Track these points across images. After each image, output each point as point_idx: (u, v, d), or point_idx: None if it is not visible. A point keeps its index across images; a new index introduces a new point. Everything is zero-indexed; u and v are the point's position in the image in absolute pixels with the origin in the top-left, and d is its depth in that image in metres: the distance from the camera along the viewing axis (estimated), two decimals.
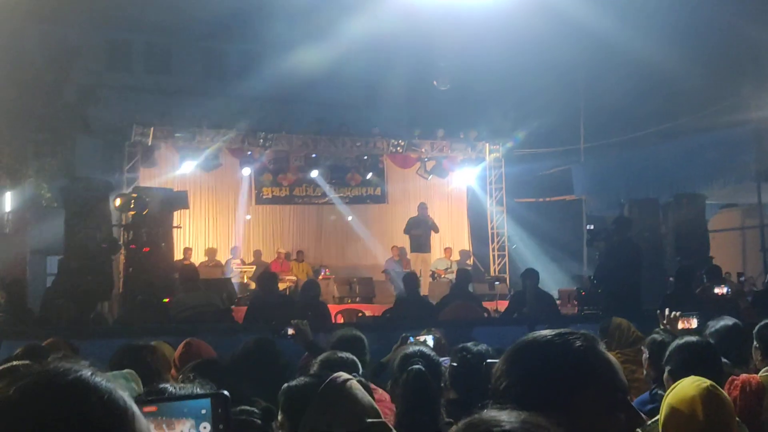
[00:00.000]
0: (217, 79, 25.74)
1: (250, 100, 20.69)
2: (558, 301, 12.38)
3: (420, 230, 16.36)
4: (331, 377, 2.46)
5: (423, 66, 20.06)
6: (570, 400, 1.53)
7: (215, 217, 18.74)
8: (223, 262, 16.97)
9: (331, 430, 2.35)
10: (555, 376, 1.56)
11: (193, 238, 18.06)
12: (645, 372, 4.48)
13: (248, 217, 19.05)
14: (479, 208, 20.67)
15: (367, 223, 19.96)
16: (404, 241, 17.56)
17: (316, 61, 19.70)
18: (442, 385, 3.65)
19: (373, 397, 3.34)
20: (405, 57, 22.58)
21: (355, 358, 3.61)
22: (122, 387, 1.11)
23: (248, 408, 2.85)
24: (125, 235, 12.96)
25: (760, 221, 17.66)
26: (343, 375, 2.49)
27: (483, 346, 4.13)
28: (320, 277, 16.38)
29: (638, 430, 1.83)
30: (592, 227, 12.80)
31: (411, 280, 10.54)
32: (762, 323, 4.36)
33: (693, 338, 3.80)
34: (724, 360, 3.82)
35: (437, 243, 17.90)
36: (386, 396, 3.91)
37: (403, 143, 19.14)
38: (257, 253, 18.19)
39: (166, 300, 10.13)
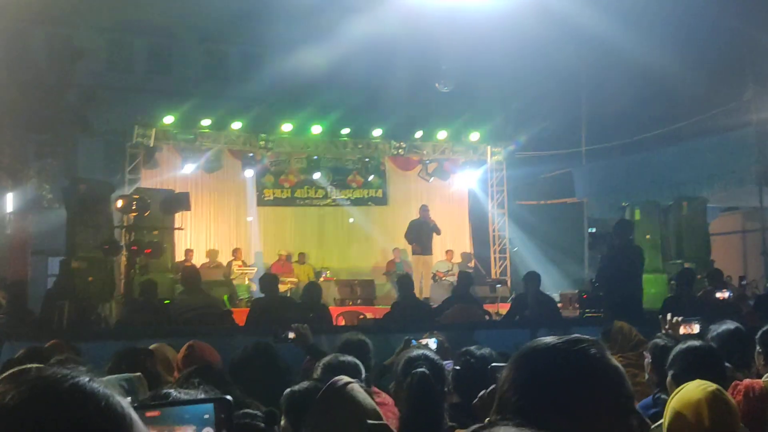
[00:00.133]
0: (219, 81, 25.74)
1: (252, 101, 20.67)
2: (559, 304, 12.35)
3: (421, 237, 16.32)
4: (331, 381, 2.46)
5: (425, 68, 20.04)
6: (580, 408, 1.52)
7: (216, 219, 18.72)
8: (225, 263, 16.96)
9: None
10: (565, 383, 1.54)
11: (194, 239, 18.04)
12: (647, 376, 4.47)
13: (250, 218, 19.05)
14: (481, 210, 20.66)
15: (369, 225, 19.94)
16: (405, 244, 17.55)
17: (318, 62, 19.71)
18: (446, 389, 3.64)
19: (375, 401, 3.34)
20: (407, 59, 22.56)
21: (358, 361, 3.60)
22: (120, 392, 1.11)
23: (251, 411, 2.85)
24: (126, 236, 12.98)
25: (761, 224, 17.65)
26: (344, 378, 2.49)
27: (486, 350, 4.12)
28: (321, 279, 16.38)
29: None
30: (593, 230, 12.81)
31: (405, 282, 10.44)
32: (765, 328, 4.35)
33: (696, 342, 3.79)
34: (726, 364, 3.81)
35: (439, 245, 17.88)
36: (389, 399, 3.89)
37: (404, 145, 19.14)
38: (258, 255, 18.18)
39: (168, 301, 10.12)
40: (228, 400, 1.36)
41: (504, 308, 12.74)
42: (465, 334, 7.59)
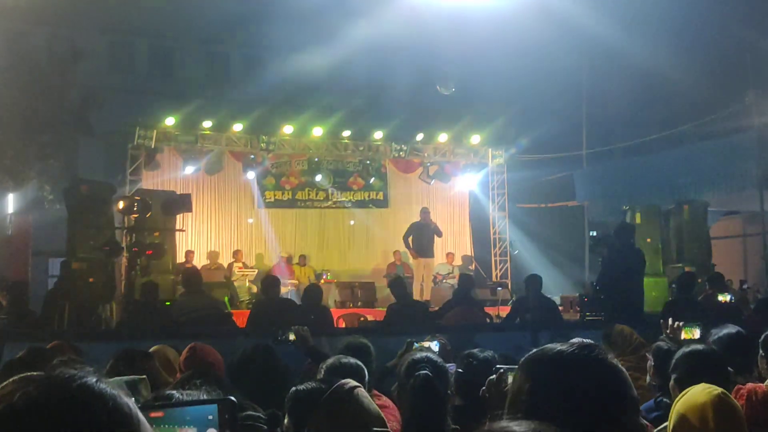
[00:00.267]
0: (220, 83, 25.74)
1: (253, 103, 20.66)
2: (560, 307, 12.35)
3: (422, 239, 16.30)
4: (337, 384, 2.46)
5: (426, 70, 20.09)
6: (589, 412, 1.54)
7: (217, 221, 18.73)
8: (225, 265, 16.96)
9: None
10: (576, 388, 1.58)
11: (195, 241, 18.05)
12: (649, 379, 4.47)
13: (250, 220, 19.05)
14: (481, 213, 20.66)
15: (369, 228, 19.96)
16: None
17: (319, 64, 19.73)
18: (448, 391, 3.64)
19: (376, 404, 3.33)
20: (408, 61, 22.61)
21: (361, 364, 3.60)
22: (127, 393, 1.11)
23: (254, 413, 2.85)
24: (128, 237, 12.97)
25: (762, 228, 17.63)
26: (351, 382, 2.48)
27: (489, 353, 4.12)
28: (322, 281, 16.37)
29: None
30: (594, 233, 12.80)
31: (397, 286, 10.39)
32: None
33: (699, 346, 3.79)
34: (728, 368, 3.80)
35: (440, 248, 17.88)
36: (389, 402, 3.89)
37: (405, 148, 19.14)
38: (259, 257, 18.18)
39: (169, 303, 10.12)
40: (232, 401, 1.36)
41: (504, 311, 12.74)
42: (466, 336, 7.58)
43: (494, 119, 19.91)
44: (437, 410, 3.32)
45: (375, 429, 2.33)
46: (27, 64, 17.74)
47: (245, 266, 17.17)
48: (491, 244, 20.29)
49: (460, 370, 4.02)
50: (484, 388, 2.49)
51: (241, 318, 10.40)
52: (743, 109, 18.11)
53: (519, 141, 20.37)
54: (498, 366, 2.53)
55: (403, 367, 3.70)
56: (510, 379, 2.70)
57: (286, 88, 21.11)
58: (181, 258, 15.95)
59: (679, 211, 15.61)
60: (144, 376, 1.73)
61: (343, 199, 19.74)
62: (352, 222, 19.99)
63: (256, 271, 16.82)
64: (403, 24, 16.72)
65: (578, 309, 12.43)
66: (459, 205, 20.93)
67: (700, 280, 11.18)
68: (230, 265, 16.89)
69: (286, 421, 2.83)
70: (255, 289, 15.60)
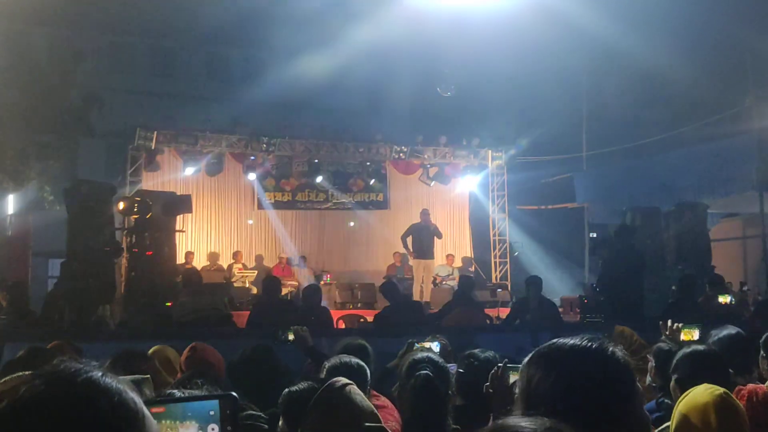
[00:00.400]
0: (221, 84, 25.79)
1: (254, 105, 20.72)
2: (560, 309, 12.36)
3: (422, 241, 16.30)
4: (329, 382, 2.46)
5: (426, 73, 20.06)
6: (611, 407, 1.58)
7: (217, 222, 18.74)
8: (225, 266, 16.97)
9: None
10: (590, 382, 1.60)
11: (195, 242, 18.07)
12: (651, 380, 4.47)
13: (250, 221, 19.06)
14: (481, 214, 20.67)
15: (370, 229, 19.97)
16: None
17: (320, 67, 19.72)
18: (449, 392, 3.64)
19: (374, 404, 3.33)
20: (408, 63, 22.60)
21: (363, 364, 3.59)
22: (132, 388, 1.11)
23: (255, 413, 2.85)
24: (128, 238, 12.95)
25: (762, 231, 17.62)
26: (342, 380, 2.48)
27: (490, 353, 4.12)
28: (322, 282, 16.37)
29: None
30: (594, 235, 12.82)
31: (389, 290, 10.37)
32: None
33: (700, 347, 3.79)
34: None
35: (440, 250, 17.89)
36: (388, 402, 3.89)
37: (405, 149, 19.15)
38: (259, 258, 18.19)
39: (169, 304, 10.12)
40: (234, 397, 1.36)
41: (504, 312, 12.74)
42: (466, 337, 7.58)
43: (494, 121, 19.96)
44: (438, 410, 3.32)
45: (368, 425, 2.33)
46: (28, 64, 17.76)
47: (245, 267, 17.19)
48: (491, 246, 20.30)
49: (461, 370, 4.02)
50: (487, 384, 2.50)
51: (240, 319, 10.40)
52: (743, 112, 18.11)
53: (519, 142, 20.39)
54: (499, 364, 2.54)
55: (404, 367, 3.71)
56: (511, 377, 2.71)
57: (287, 90, 21.13)
58: (181, 259, 15.94)
59: (679, 214, 15.59)
60: (147, 376, 1.73)
61: (343, 200, 19.75)
62: (352, 223, 20.00)
63: (256, 272, 16.82)
64: (403, 26, 16.72)
65: (578, 310, 12.44)
66: (459, 207, 20.94)
67: (700, 282, 11.17)
68: (230, 266, 16.90)
69: (280, 422, 2.83)
70: (255, 290, 15.60)
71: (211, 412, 1.34)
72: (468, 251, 20.44)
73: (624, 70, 21.74)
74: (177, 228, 14.27)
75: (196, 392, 1.97)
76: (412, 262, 17.11)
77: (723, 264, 16.53)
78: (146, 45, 26.34)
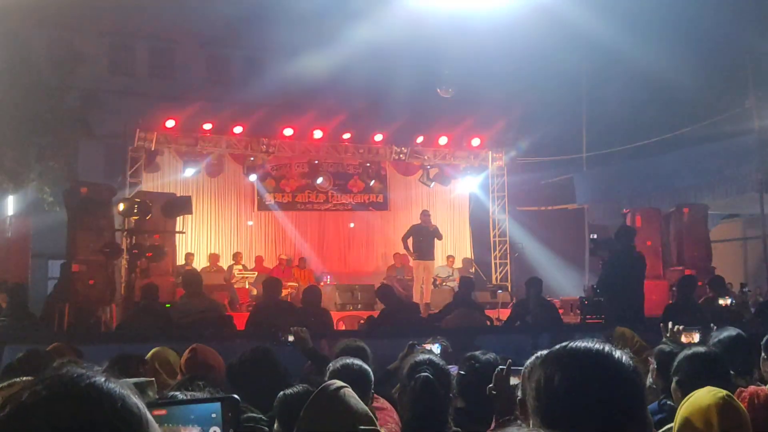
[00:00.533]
0: (220, 85, 25.76)
1: (254, 105, 20.66)
2: (560, 310, 12.34)
3: (422, 242, 16.29)
4: (323, 384, 2.45)
5: (427, 73, 20.06)
6: (620, 410, 1.59)
7: (217, 223, 18.73)
8: (225, 267, 16.97)
9: None
10: (597, 384, 1.62)
11: (195, 243, 18.06)
12: (652, 382, 4.46)
13: (250, 223, 19.05)
14: (482, 216, 20.65)
15: (369, 230, 19.97)
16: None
17: (320, 67, 19.71)
18: (451, 395, 3.64)
19: (373, 406, 3.32)
20: (408, 64, 22.58)
21: (367, 367, 3.58)
22: (136, 393, 1.10)
23: (255, 415, 2.84)
24: (128, 239, 12.96)
25: (762, 232, 17.61)
26: (337, 382, 2.48)
27: (491, 355, 4.12)
28: (322, 283, 16.36)
29: None
30: (595, 236, 12.79)
31: (384, 293, 10.36)
32: None
33: (701, 348, 3.78)
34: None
35: (440, 251, 17.87)
36: (387, 404, 3.89)
37: (405, 150, 19.15)
38: (259, 259, 18.18)
39: (169, 305, 10.11)
40: (236, 399, 1.36)
41: (505, 314, 12.74)
42: (466, 339, 7.57)
43: (494, 122, 19.92)
44: (438, 412, 3.31)
45: (362, 428, 2.32)
46: (27, 66, 17.74)
47: (245, 268, 17.18)
48: (491, 247, 20.29)
49: (462, 372, 4.01)
50: (490, 386, 2.49)
51: (240, 320, 10.39)
52: (744, 112, 18.10)
53: (519, 144, 20.38)
54: (501, 367, 2.53)
55: (404, 369, 3.70)
56: (512, 380, 2.70)
57: (287, 91, 21.11)
58: (181, 260, 15.95)
59: (679, 214, 15.61)
60: (152, 379, 1.72)
61: (344, 201, 19.75)
62: (352, 224, 20.00)
63: (256, 273, 16.81)
64: (403, 27, 16.72)
65: (579, 312, 12.42)
66: (459, 208, 20.94)
67: (700, 283, 11.16)
68: (230, 268, 16.89)
69: (275, 425, 2.82)
70: (255, 291, 15.59)
71: (213, 415, 1.34)
72: (468, 252, 20.43)
73: (624, 71, 21.74)
74: (177, 229, 14.30)
75: (198, 395, 1.96)
76: (412, 263, 17.10)
77: (723, 265, 16.53)
78: (146, 46, 26.32)
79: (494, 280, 19.47)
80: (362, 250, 19.88)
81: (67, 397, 1.02)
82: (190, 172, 17.64)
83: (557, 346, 1.74)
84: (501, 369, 2.54)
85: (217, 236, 18.64)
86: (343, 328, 12.06)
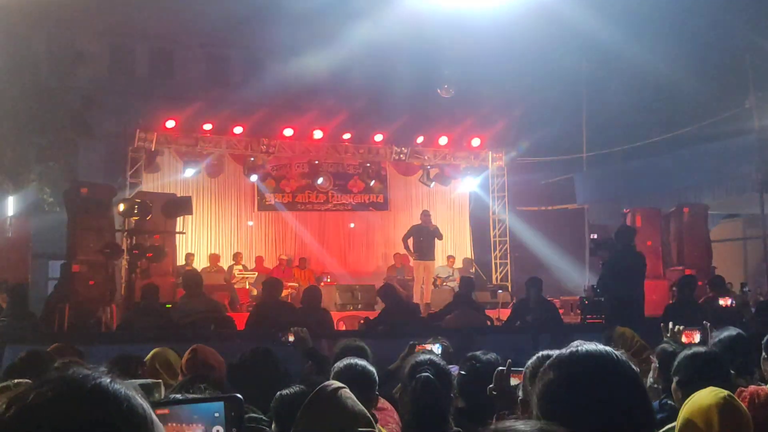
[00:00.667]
0: (220, 85, 25.74)
1: (253, 105, 20.66)
2: (560, 310, 12.34)
3: (422, 242, 16.30)
4: (321, 385, 2.45)
5: (427, 73, 20.07)
6: (626, 411, 1.62)
7: (217, 223, 18.72)
8: (226, 267, 16.96)
9: None
10: (603, 387, 1.63)
11: (195, 243, 18.05)
12: (653, 381, 4.46)
13: (250, 223, 19.05)
14: (482, 216, 20.65)
15: (370, 231, 19.97)
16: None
17: (320, 67, 19.71)
18: (451, 395, 3.64)
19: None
20: (409, 64, 22.59)
21: (371, 368, 3.57)
22: (141, 394, 1.11)
23: (256, 416, 2.84)
24: (128, 240, 12.96)
25: (762, 231, 17.61)
26: (334, 383, 2.47)
27: (492, 355, 4.12)
28: (322, 284, 16.36)
29: None
30: (595, 236, 12.80)
31: (387, 292, 10.35)
32: None
33: (701, 348, 3.79)
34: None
35: (440, 251, 17.87)
36: (388, 405, 3.89)
37: (406, 150, 19.14)
38: (259, 260, 18.18)
39: (169, 305, 10.12)
40: (239, 398, 1.36)
41: (505, 314, 12.74)
42: (467, 339, 7.57)
43: (494, 122, 19.92)
44: (438, 412, 3.31)
45: (360, 429, 2.32)
46: (27, 66, 17.75)
47: (245, 269, 17.18)
48: (491, 247, 20.28)
49: (463, 372, 4.02)
50: (491, 386, 2.50)
51: (241, 320, 10.39)
52: (744, 112, 18.11)
53: (519, 144, 20.37)
54: (500, 367, 2.53)
55: (405, 369, 3.70)
56: (512, 380, 2.71)
57: (287, 91, 21.12)
58: (181, 260, 15.95)
59: (679, 214, 15.61)
60: (159, 381, 1.73)
61: (344, 201, 19.75)
62: (352, 225, 19.99)
63: (256, 273, 16.81)
64: (403, 27, 16.72)
65: (579, 312, 12.42)
66: (459, 208, 20.93)
67: (700, 283, 11.16)
68: (230, 268, 16.89)
69: (273, 425, 2.82)
70: (255, 291, 15.59)
71: (216, 414, 1.34)
72: (468, 252, 20.43)
73: (624, 71, 21.75)
74: (177, 229, 14.30)
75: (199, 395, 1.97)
76: (412, 263, 17.10)
77: (723, 265, 16.54)
78: (145, 46, 26.30)
79: (494, 280, 19.46)
80: (362, 251, 19.88)
81: (73, 398, 1.02)
82: (190, 172, 17.64)
83: (568, 350, 1.75)
84: (501, 369, 2.54)
85: (217, 236, 18.63)
86: (343, 328, 12.06)
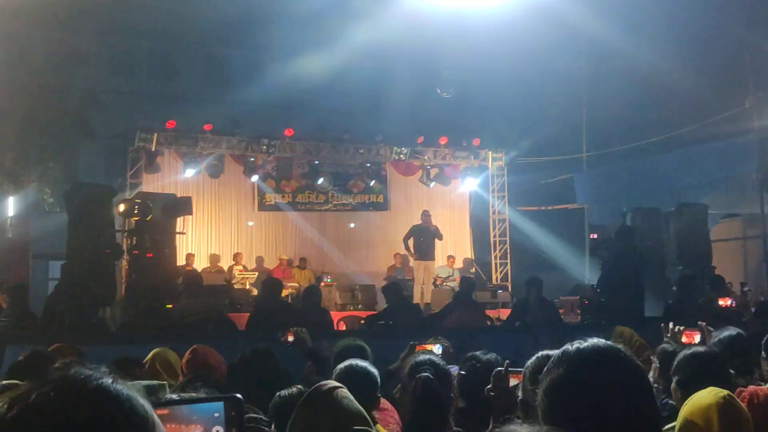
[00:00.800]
0: (221, 85, 25.74)
1: (254, 106, 20.69)
2: (560, 310, 12.35)
3: (422, 242, 16.31)
4: (317, 385, 2.45)
5: (426, 74, 20.08)
6: (621, 407, 1.62)
7: (218, 223, 18.72)
8: (226, 268, 16.97)
9: None
10: (610, 385, 1.64)
11: (196, 243, 18.04)
12: (654, 381, 4.47)
13: (251, 223, 19.05)
14: (482, 216, 20.65)
15: (370, 231, 19.96)
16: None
17: (320, 67, 19.73)
18: (451, 395, 3.64)
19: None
20: (409, 64, 22.61)
21: (373, 369, 3.58)
22: (143, 395, 1.11)
23: (256, 416, 2.84)
24: (128, 240, 12.96)
25: (762, 231, 17.62)
26: (331, 383, 2.47)
27: (492, 355, 4.13)
28: (322, 284, 16.36)
29: None
30: (595, 236, 12.82)
31: (392, 290, 10.35)
32: None
33: (701, 348, 3.79)
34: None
35: (440, 251, 17.87)
36: (388, 405, 3.89)
37: (406, 151, 19.13)
38: (259, 260, 18.18)
39: (169, 306, 10.12)
40: (239, 398, 1.36)
41: (505, 313, 12.74)
42: (467, 339, 7.57)
43: (494, 122, 19.95)
44: (438, 412, 3.32)
45: (356, 428, 2.32)
46: (27, 67, 17.76)
47: (245, 269, 17.18)
48: (492, 247, 20.28)
49: (463, 372, 4.02)
50: (489, 386, 2.50)
51: (241, 321, 10.40)
52: (743, 112, 18.12)
53: (519, 144, 20.39)
54: (499, 368, 2.54)
55: (405, 369, 3.71)
56: (511, 381, 2.71)
57: (287, 91, 21.12)
58: (181, 261, 15.93)
59: (679, 214, 15.60)
60: (165, 382, 1.73)
61: (344, 201, 19.75)
62: (352, 225, 20.00)
63: (257, 273, 16.81)
64: (403, 27, 16.72)
65: (579, 311, 12.43)
66: (459, 208, 20.92)
67: (700, 283, 11.16)
68: (230, 268, 16.89)
69: (272, 426, 2.82)
70: (255, 291, 15.59)
71: (216, 414, 1.34)
72: (468, 252, 20.42)
73: (624, 70, 21.75)
74: (177, 230, 14.27)
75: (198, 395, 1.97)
76: (412, 263, 17.12)
77: (723, 265, 16.52)
78: (145, 47, 26.28)
79: (494, 280, 19.46)
80: (362, 251, 19.86)
81: (75, 399, 1.02)
82: (190, 172, 17.63)
83: (573, 346, 1.75)
84: (499, 370, 2.54)
85: (217, 237, 18.63)
86: (343, 328, 12.06)
